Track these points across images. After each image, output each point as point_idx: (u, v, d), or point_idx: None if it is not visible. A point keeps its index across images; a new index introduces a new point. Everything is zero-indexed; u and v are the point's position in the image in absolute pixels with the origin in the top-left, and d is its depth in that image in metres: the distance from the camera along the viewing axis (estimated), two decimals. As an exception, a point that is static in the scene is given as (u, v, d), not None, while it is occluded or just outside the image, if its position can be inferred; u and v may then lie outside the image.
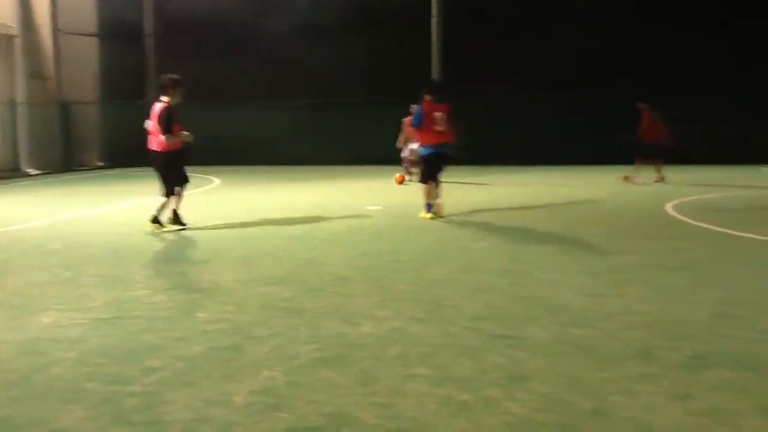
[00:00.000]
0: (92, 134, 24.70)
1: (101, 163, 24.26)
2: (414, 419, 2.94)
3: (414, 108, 11.90)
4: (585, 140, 19.61)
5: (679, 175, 17.17)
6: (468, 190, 13.96)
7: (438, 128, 9.48)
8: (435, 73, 23.13)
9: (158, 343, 4.05)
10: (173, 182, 8.41)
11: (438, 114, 9.48)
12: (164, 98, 8.21)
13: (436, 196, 9.78)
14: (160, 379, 3.46)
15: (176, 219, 8.56)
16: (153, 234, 8.23)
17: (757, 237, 7.64)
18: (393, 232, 8.42)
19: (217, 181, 16.93)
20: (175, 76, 8.32)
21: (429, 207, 9.65)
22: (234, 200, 12.63)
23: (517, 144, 22.15)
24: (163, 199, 8.43)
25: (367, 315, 4.58)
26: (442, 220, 9.46)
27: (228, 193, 14.22)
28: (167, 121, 8.07)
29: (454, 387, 3.29)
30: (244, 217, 9.68)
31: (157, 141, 8.25)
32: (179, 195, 8.59)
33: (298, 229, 8.70)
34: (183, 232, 8.37)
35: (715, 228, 8.35)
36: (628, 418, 2.94)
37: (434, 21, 23.25)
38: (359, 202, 11.67)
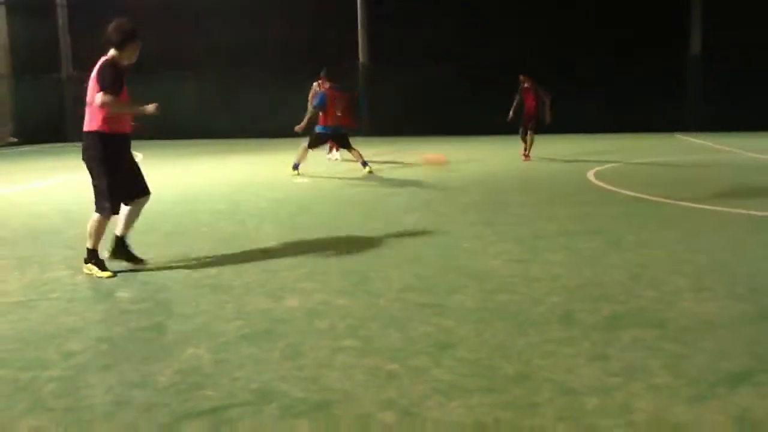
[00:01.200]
0: (4, 110, 23.60)
1: (14, 139, 23.22)
2: (341, 391, 2.95)
3: (314, 86, 12.91)
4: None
5: (597, 144, 17.69)
6: (394, 163, 14.02)
7: (339, 113, 11.39)
8: (361, 51, 23.12)
9: (78, 325, 3.92)
10: (109, 192, 4.99)
11: (339, 101, 11.38)
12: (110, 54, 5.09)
13: (358, 156, 11.69)
14: (80, 362, 3.35)
15: (121, 251, 5.30)
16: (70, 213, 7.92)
17: (671, 202, 7.97)
18: (320, 205, 8.38)
19: (139, 155, 16.43)
20: (125, 24, 5.09)
21: (296, 166, 11.65)
22: (157, 175, 12.27)
23: (439, 118, 22.51)
24: (96, 218, 5.05)
25: (294, 289, 4.55)
26: (370, 193, 9.49)
27: (151, 168, 13.80)
28: (111, 79, 4.88)
29: (382, 357, 3.31)
30: (167, 193, 9.44)
31: (90, 116, 4.99)
32: (130, 217, 5.31)
33: (223, 203, 8.55)
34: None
35: (633, 194, 8.65)
36: (550, 380, 3.03)
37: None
38: (284, 176, 11.55)
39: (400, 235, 6.38)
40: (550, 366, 3.18)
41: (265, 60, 23.13)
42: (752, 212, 7.13)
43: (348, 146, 11.70)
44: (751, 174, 10.71)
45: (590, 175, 10.90)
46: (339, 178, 11.09)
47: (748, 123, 20.80)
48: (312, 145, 11.65)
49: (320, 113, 11.46)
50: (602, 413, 2.71)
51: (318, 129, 11.56)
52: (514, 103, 14.10)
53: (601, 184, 9.77)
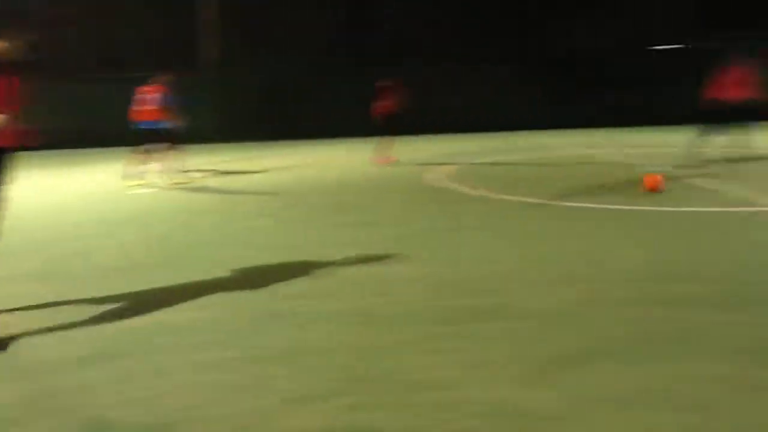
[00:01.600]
0: None
1: None
2: (181, 410, 2.72)
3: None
4: (356, 115, 18.99)
5: (451, 145, 18.12)
6: (240, 173, 13.65)
7: (147, 107, 11.00)
8: (209, 47, 22.53)
9: None
10: None
11: (148, 96, 11.06)
12: None
13: (167, 165, 11.15)
14: None
15: None
16: None
17: (526, 199, 8.26)
18: (168, 215, 8.01)
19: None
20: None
21: (134, 175, 11.13)
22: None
23: (292, 120, 22.17)
24: None
25: (136, 308, 4.19)
26: (218, 202, 9.18)
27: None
28: None
29: (230, 371, 3.12)
30: None
31: None
32: None
33: (64, 218, 7.97)
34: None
35: (488, 194, 8.88)
36: (403, 380, 2.97)
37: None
38: (129, 186, 10.94)
39: (255, 242, 6.17)
40: (412, 364, 3.14)
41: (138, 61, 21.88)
42: (610, 206, 7.40)
43: (166, 146, 11.13)
44: (599, 169, 11.33)
45: (445, 176, 11.11)
46: (184, 188, 10.61)
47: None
48: (137, 144, 11.13)
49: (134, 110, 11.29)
50: (446, 407, 2.68)
51: (137, 125, 11.23)
52: (379, 102, 13.84)
53: (455, 184, 9.96)
